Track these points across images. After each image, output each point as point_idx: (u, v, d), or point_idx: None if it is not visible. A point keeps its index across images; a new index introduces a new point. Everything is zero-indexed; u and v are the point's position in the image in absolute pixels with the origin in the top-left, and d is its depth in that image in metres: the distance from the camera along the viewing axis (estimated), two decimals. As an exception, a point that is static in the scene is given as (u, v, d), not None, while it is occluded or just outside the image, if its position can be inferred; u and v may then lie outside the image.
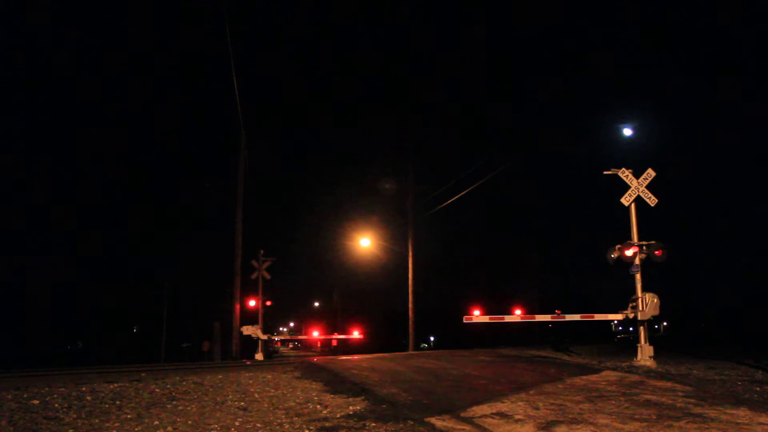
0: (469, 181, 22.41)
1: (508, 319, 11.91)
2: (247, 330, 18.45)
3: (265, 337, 18.72)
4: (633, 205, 11.99)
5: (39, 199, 37.03)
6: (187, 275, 37.85)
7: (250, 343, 19.77)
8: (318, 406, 6.23)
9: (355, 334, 20.24)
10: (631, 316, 11.63)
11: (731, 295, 50.01)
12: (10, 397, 6.80)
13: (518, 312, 12.00)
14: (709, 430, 4.82)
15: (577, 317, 12.09)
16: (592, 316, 12.02)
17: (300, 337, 48.36)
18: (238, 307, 21.23)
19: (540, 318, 12.19)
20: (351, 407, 6.06)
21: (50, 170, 38.76)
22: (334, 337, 22.86)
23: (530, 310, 42.65)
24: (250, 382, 8.46)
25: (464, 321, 12.02)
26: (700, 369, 10.30)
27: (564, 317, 12.07)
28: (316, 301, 64.72)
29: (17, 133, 37.94)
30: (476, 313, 12.06)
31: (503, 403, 6.12)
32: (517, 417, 5.39)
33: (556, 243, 49.86)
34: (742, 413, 5.44)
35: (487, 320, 12.00)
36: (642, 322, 11.50)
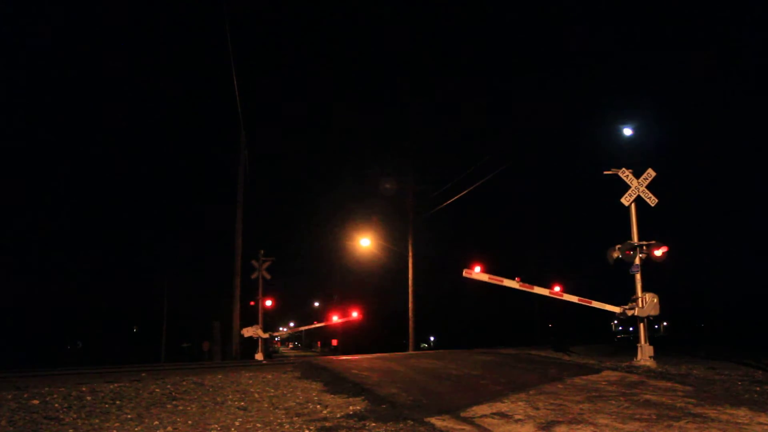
0: (469, 181, 22.44)
1: (506, 283, 11.96)
2: (248, 332, 18.42)
3: (266, 335, 18.70)
4: (633, 205, 11.99)
5: (38, 198, 37.06)
6: (187, 275, 37.83)
7: (250, 343, 19.77)
8: (318, 406, 6.23)
9: (354, 315, 20.44)
10: (630, 313, 11.66)
11: (731, 294, 50.03)
12: (10, 397, 6.80)
13: (517, 279, 12.03)
14: (709, 430, 4.82)
15: (575, 299, 12.18)
16: (590, 302, 12.14)
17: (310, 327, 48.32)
18: (238, 307, 21.21)
19: (538, 291, 12.16)
20: (351, 407, 6.06)
21: (50, 170, 38.77)
22: (333, 323, 23.09)
23: (530, 310, 42.76)
24: (250, 382, 8.46)
25: (464, 275, 11.99)
26: (700, 369, 10.29)
27: (563, 295, 12.13)
28: (316, 301, 64.77)
29: (15, 132, 37.94)
30: (477, 269, 11.87)
31: (503, 403, 6.13)
32: (517, 417, 5.39)
33: (556, 243, 49.82)
34: (742, 413, 5.45)
35: (487, 279, 11.94)
36: (641, 319, 11.52)
